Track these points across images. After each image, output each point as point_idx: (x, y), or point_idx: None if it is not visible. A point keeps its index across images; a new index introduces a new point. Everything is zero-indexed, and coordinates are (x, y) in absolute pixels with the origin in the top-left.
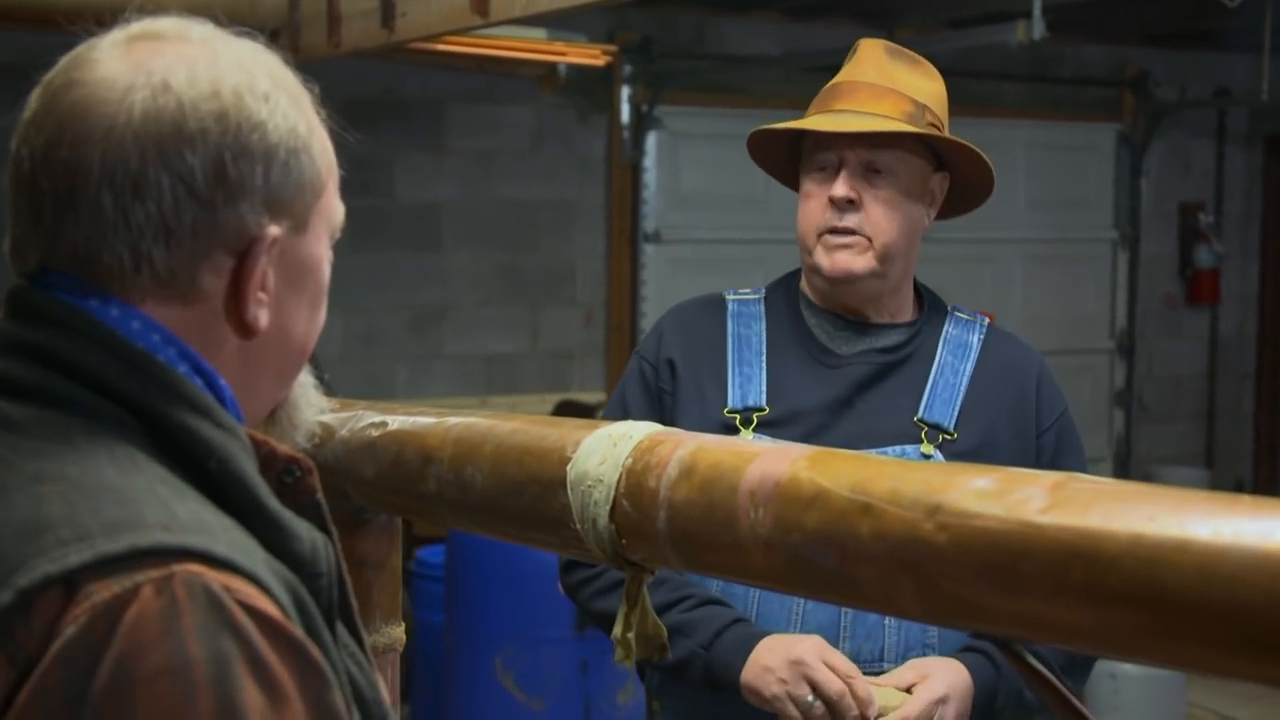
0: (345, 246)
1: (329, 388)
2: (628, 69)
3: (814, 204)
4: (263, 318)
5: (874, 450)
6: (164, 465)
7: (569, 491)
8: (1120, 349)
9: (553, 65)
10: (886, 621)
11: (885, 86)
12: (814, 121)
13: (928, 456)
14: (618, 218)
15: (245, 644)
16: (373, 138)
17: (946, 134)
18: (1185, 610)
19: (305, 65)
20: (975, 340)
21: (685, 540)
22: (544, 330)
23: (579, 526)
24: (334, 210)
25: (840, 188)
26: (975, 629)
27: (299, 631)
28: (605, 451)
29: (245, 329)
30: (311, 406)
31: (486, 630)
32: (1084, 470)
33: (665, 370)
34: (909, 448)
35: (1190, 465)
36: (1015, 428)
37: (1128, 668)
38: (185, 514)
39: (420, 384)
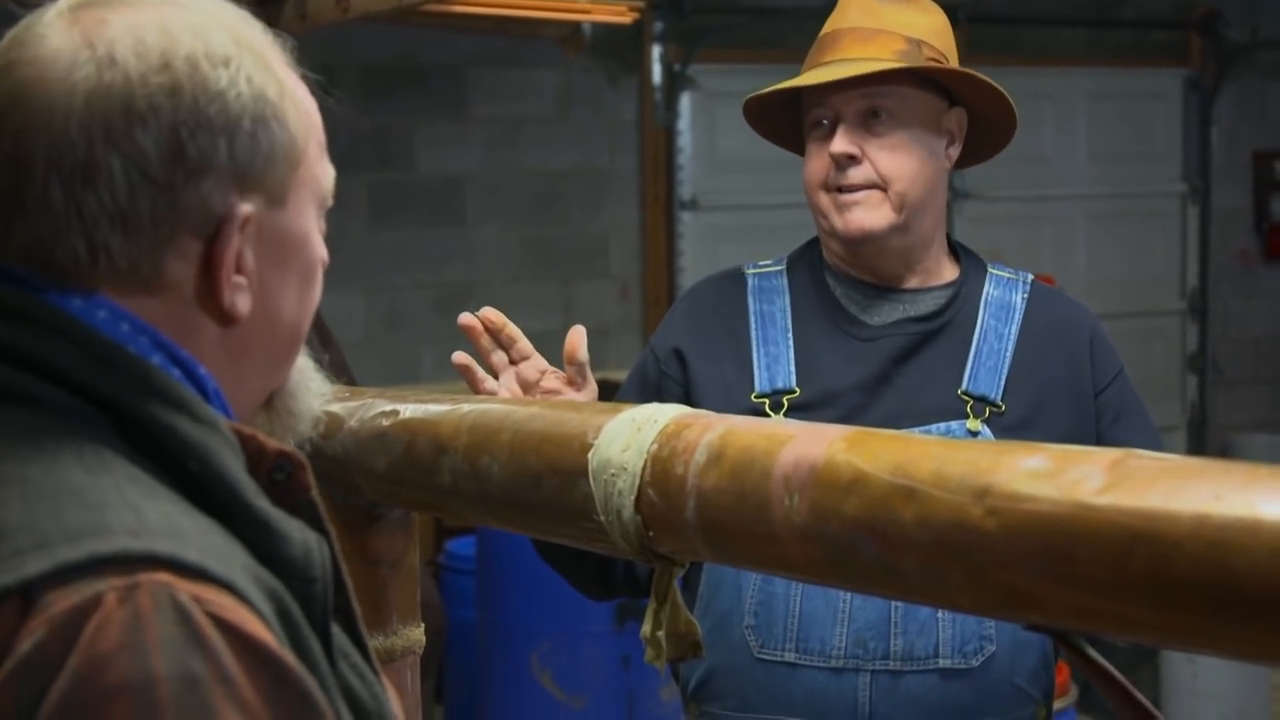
0: (364, 224)
1: (342, 370)
2: (658, 26)
3: (816, 162)
4: (242, 303)
5: (917, 429)
6: (138, 465)
7: (591, 481)
8: (1192, 310)
9: (577, 25)
10: (940, 616)
11: (872, 28)
12: (795, 80)
13: (975, 434)
14: (652, 185)
15: (214, 661)
16: (390, 108)
17: (948, 66)
18: (1257, 597)
19: (314, 32)
20: (1019, 300)
21: (716, 530)
22: (577, 306)
23: (603, 518)
24: (319, 177)
25: (838, 143)
26: (1029, 621)
27: (276, 647)
28: (629, 437)
29: (224, 317)
30: (312, 393)
31: (522, 626)
32: (1151, 428)
33: (672, 361)
34: (954, 424)
35: (1271, 432)
36: (1070, 391)
37: None
38: (156, 517)
39: (447, 367)
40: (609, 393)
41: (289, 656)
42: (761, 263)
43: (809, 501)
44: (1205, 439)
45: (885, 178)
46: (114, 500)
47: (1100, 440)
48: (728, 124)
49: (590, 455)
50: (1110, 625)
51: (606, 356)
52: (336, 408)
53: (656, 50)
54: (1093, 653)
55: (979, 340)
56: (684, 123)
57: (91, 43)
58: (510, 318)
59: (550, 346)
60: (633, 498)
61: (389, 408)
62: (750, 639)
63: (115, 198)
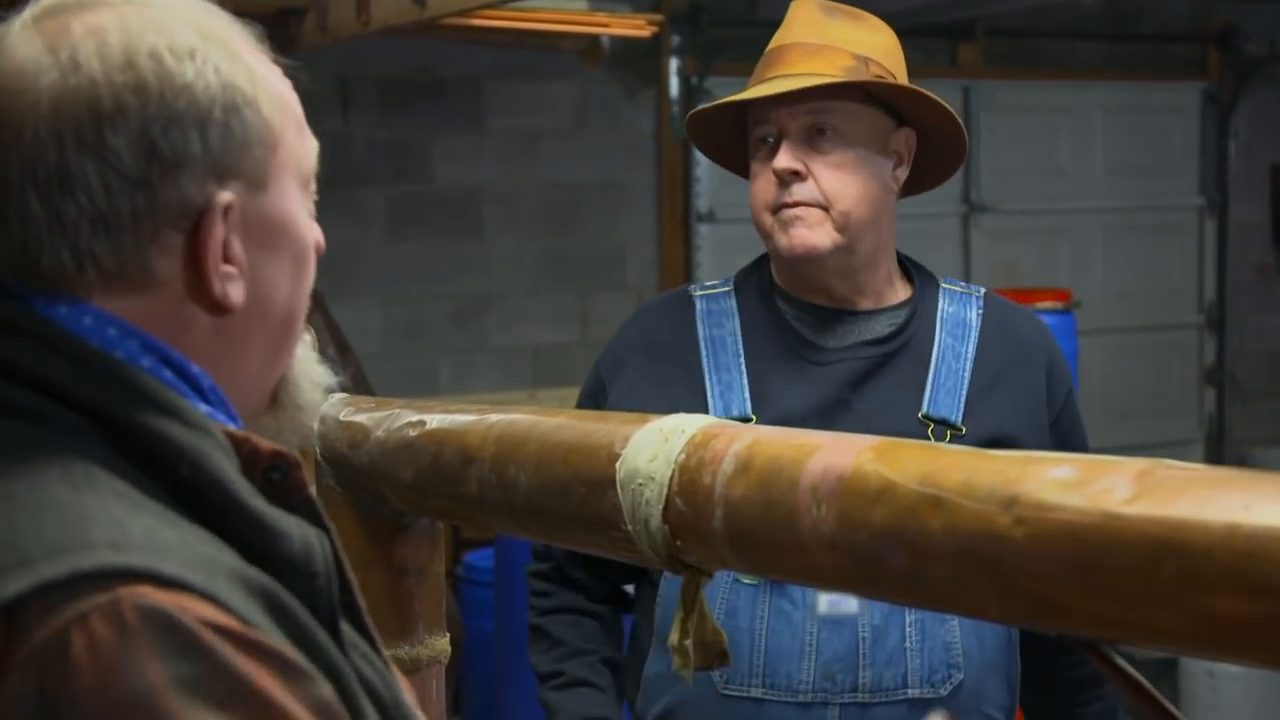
0: (382, 235)
1: (360, 381)
2: (675, 39)
3: (761, 182)
4: (234, 291)
5: None
6: (125, 474)
7: (619, 491)
8: (1210, 323)
9: (596, 38)
10: (908, 646)
11: (818, 44)
12: (739, 94)
13: None
14: (669, 197)
15: (211, 660)
16: (408, 120)
17: (895, 82)
18: None
19: (334, 44)
20: (974, 316)
21: (744, 540)
22: (594, 318)
23: (630, 528)
24: (300, 157)
25: (782, 158)
26: (1057, 630)
27: (267, 638)
28: (656, 447)
29: (217, 307)
30: (314, 383)
31: None
32: (1088, 450)
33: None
34: None
35: None
36: (1027, 412)
37: (1227, 665)
38: (138, 530)
39: (465, 378)
40: None
41: (283, 645)
42: (708, 283)
43: (837, 511)
44: (1223, 453)
45: (828, 197)
46: (97, 515)
47: None
48: None
49: (618, 465)
50: (1138, 634)
51: None
52: (363, 418)
53: (674, 63)
54: (1121, 662)
55: (937, 361)
56: None
57: (55, 48)
58: (527, 329)
59: (568, 359)
60: (660, 507)
61: (416, 418)
62: (715, 674)
63: (94, 201)
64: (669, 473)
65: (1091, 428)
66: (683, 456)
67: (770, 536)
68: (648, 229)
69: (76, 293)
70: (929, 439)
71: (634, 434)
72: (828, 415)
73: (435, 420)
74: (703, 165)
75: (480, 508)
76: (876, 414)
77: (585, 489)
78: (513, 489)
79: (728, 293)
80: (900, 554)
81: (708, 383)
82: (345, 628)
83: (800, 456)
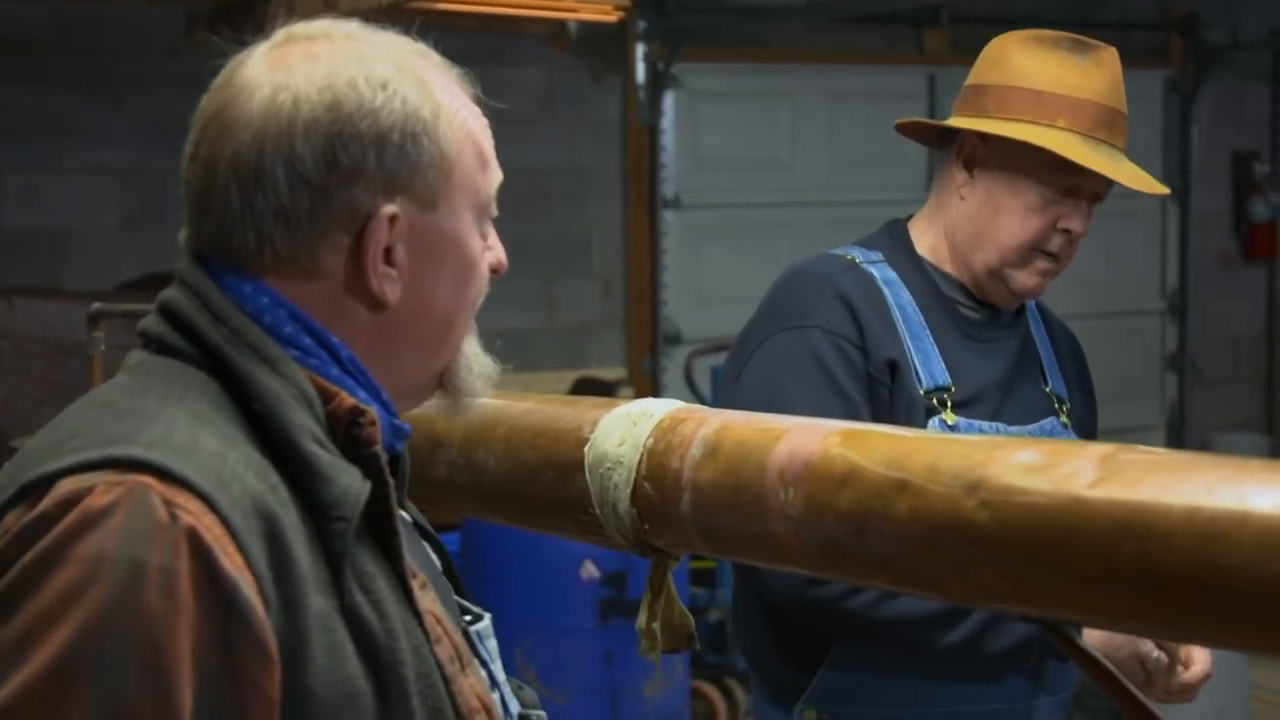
0: None
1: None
2: (642, 25)
3: (1041, 222)
4: (390, 291)
5: (1030, 427)
6: (220, 405)
7: (587, 475)
8: (1172, 310)
9: (563, 23)
10: None
11: (1122, 110)
12: (1126, 176)
13: (1066, 427)
14: (635, 183)
15: (160, 553)
16: None
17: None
18: (1245, 589)
19: None
20: (1031, 302)
21: (712, 523)
22: (559, 303)
23: (598, 511)
24: (477, 187)
25: (1081, 223)
26: (1021, 612)
27: (219, 554)
28: (624, 431)
29: (374, 302)
30: (476, 373)
31: (505, 621)
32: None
33: (887, 373)
34: (1050, 420)
35: (1249, 431)
36: (1085, 380)
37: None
38: (182, 438)
39: None
40: (595, 389)
41: (228, 565)
42: (868, 254)
43: (804, 495)
44: (1184, 438)
45: (1066, 260)
46: (159, 424)
47: None
48: (711, 122)
49: (586, 449)
50: (1101, 616)
51: (589, 354)
52: None
53: (641, 49)
54: (1084, 643)
55: (1039, 342)
56: (667, 121)
57: (275, 69)
58: (492, 315)
59: (533, 344)
60: (628, 491)
61: None
62: None
63: (279, 197)
64: (637, 457)
65: None
66: (651, 440)
67: (738, 520)
68: (614, 215)
69: (255, 270)
70: (1057, 414)
71: (602, 418)
72: (1004, 389)
73: None
74: (669, 151)
75: (449, 492)
76: (1025, 390)
77: (553, 473)
78: (481, 473)
79: (883, 263)
80: (867, 537)
81: (909, 350)
82: (378, 577)
83: (768, 441)
